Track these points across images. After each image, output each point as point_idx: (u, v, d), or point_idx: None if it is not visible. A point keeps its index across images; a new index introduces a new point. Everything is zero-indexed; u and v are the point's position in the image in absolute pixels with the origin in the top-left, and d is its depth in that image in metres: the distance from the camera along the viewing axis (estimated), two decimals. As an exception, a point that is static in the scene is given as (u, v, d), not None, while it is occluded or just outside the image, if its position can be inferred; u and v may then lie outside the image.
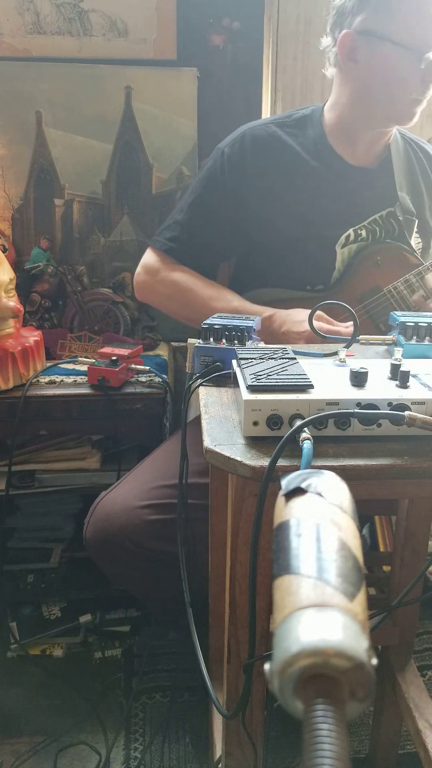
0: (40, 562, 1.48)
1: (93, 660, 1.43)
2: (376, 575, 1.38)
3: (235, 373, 0.70)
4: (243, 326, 0.81)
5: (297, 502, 0.39)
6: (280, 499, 0.40)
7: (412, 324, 0.82)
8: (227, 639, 0.76)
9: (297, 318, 1.07)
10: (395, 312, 0.87)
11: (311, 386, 0.62)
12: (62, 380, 1.32)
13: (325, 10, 1.52)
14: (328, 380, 0.65)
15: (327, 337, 0.86)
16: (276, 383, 0.62)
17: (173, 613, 1.13)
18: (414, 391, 0.62)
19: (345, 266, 1.22)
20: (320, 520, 0.36)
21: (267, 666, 0.28)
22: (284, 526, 0.37)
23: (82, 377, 1.31)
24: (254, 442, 0.60)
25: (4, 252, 1.46)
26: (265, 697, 0.78)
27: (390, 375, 0.66)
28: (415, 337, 0.82)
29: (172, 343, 1.61)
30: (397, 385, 0.64)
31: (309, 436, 0.54)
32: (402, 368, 0.64)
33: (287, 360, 0.69)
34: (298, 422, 0.57)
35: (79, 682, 1.37)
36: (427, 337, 0.82)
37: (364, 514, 1.39)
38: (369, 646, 0.28)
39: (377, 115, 1.14)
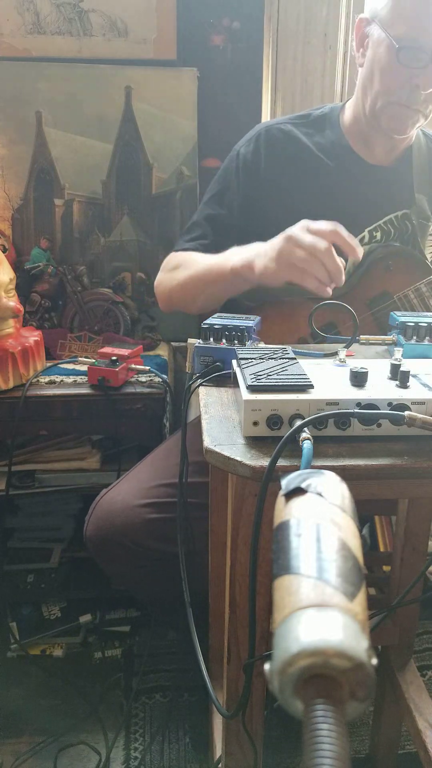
0: (40, 562, 1.48)
1: (93, 660, 1.43)
2: (376, 575, 1.38)
3: (235, 373, 0.70)
4: (243, 326, 0.81)
5: (297, 502, 0.39)
6: (280, 499, 0.40)
7: (412, 324, 0.82)
8: (227, 639, 0.76)
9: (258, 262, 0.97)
10: (395, 312, 0.87)
11: (311, 386, 0.62)
12: (62, 380, 1.32)
13: (326, 10, 1.52)
14: (328, 380, 0.65)
15: (327, 337, 0.86)
16: (276, 383, 0.62)
17: (173, 612, 1.13)
18: (414, 391, 0.62)
19: (355, 268, 1.21)
20: (320, 520, 0.36)
21: (267, 666, 0.28)
22: (284, 526, 0.37)
23: (82, 377, 1.31)
24: (254, 442, 0.60)
25: (4, 252, 1.46)
26: (265, 697, 0.78)
27: (390, 375, 0.66)
28: (415, 337, 0.82)
29: (172, 343, 1.61)
30: (397, 385, 0.64)
31: (309, 436, 0.54)
32: (402, 368, 0.64)
33: (287, 360, 0.69)
34: (298, 422, 0.56)
35: (79, 682, 1.37)
36: (427, 337, 0.82)
37: (364, 514, 1.39)
38: (369, 646, 0.28)
39: (375, 116, 1.10)
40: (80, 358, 1.40)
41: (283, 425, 0.60)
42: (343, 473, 0.44)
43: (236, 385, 0.67)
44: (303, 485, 0.40)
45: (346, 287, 1.20)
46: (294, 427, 0.55)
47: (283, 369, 0.66)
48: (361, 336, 0.83)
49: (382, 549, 1.53)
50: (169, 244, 1.60)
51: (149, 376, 1.33)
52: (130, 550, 1.02)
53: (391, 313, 0.87)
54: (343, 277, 0.89)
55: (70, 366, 1.39)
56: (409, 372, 0.64)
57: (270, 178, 1.18)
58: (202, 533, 0.99)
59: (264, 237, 1.20)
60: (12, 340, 1.26)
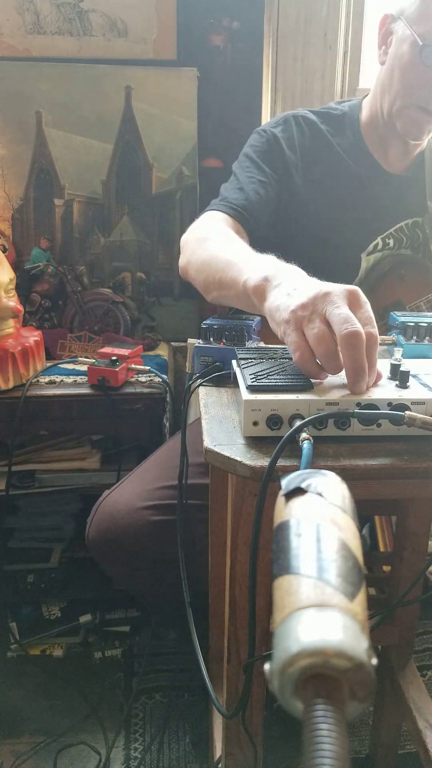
0: (40, 562, 1.48)
1: (93, 660, 1.43)
2: (376, 575, 1.38)
3: (235, 373, 0.70)
4: (243, 326, 0.81)
5: (297, 502, 0.39)
6: (280, 499, 0.40)
7: (412, 324, 0.82)
8: (227, 639, 0.76)
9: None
10: (395, 312, 0.87)
11: (311, 386, 0.62)
12: (62, 380, 1.32)
13: (326, 10, 1.52)
14: (328, 380, 0.65)
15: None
16: (276, 383, 0.62)
17: (174, 613, 1.13)
18: (414, 391, 0.62)
19: (366, 275, 1.19)
20: (320, 520, 0.36)
21: (267, 666, 0.28)
22: (284, 526, 0.37)
23: (82, 377, 1.31)
24: (254, 442, 0.60)
25: (4, 252, 1.46)
26: (265, 697, 0.78)
27: (390, 375, 0.66)
28: (415, 337, 0.82)
29: (172, 343, 1.61)
30: (397, 385, 0.64)
31: (309, 436, 0.54)
32: (402, 368, 0.64)
33: (287, 360, 0.69)
34: (298, 422, 0.57)
35: (79, 682, 1.37)
36: (427, 337, 0.82)
37: (364, 514, 1.39)
38: (369, 646, 0.28)
39: (391, 118, 1.08)
40: (80, 358, 1.40)
41: (283, 425, 0.60)
42: (343, 473, 0.44)
43: (236, 385, 0.67)
44: (303, 485, 0.40)
45: None
46: (294, 427, 0.56)
47: (283, 369, 0.66)
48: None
49: (382, 549, 1.53)
50: (170, 244, 1.61)
51: (149, 376, 1.33)
52: (133, 552, 1.02)
53: (391, 313, 0.87)
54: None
55: (70, 366, 1.39)
56: (409, 372, 0.64)
57: (297, 161, 1.13)
58: (203, 535, 0.99)
59: (290, 233, 1.12)
60: (12, 340, 1.26)
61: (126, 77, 1.52)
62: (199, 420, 0.69)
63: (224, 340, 0.80)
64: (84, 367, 1.32)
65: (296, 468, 0.52)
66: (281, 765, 1.18)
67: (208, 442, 0.60)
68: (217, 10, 1.51)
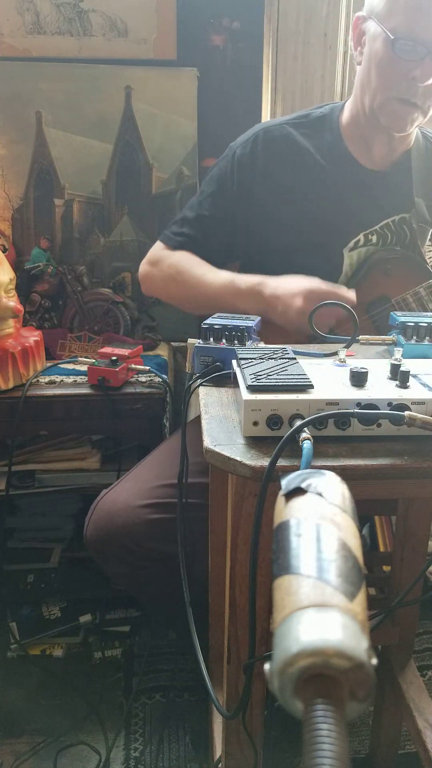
0: (40, 562, 1.48)
1: (93, 660, 1.43)
2: (376, 575, 1.38)
3: (235, 373, 0.70)
4: (243, 326, 0.81)
5: (297, 502, 0.39)
6: (280, 499, 0.40)
7: (412, 324, 0.82)
8: (227, 639, 0.76)
9: (290, 293, 1.03)
10: (395, 312, 0.87)
11: (311, 386, 0.62)
12: (62, 380, 1.32)
13: (326, 10, 1.52)
14: (328, 380, 0.65)
15: (327, 337, 0.86)
16: (276, 383, 0.62)
17: (173, 613, 1.13)
18: (414, 391, 0.62)
19: (353, 271, 1.20)
20: (320, 520, 0.36)
21: (267, 666, 0.28)
22: (284, 526, 0.37)
23: (82, 377, 1.31)
24: (254, 442, 0.60)
25: (4, 252, 1.46)
26: (265, 697, 0.78)
27: (390, 375, 0.66)
28: (415, 337, 0.82)
29: (172, 343, 1.61)
30: (397, 385, 0.64)
31: (309, 436, 0.54)
32: (402, 368, 0.64)
33: (287, 360, 0.69)
34: (298, 422, 0.56)
35: (79, 682, 1.37)
36: (427, 337, 0.82)
37: (364, 514, 1.39)
38: (369, 646, 0.28)
39: (374, 113, 1.10)
40: (80, 358, 1.40)
41: (283, 425, 0.60)
42: (343, 473, 0.44)
43: (236, 385, 0.67)
44: (303, 485, 0.40)
45: None
46: (294, 427, 0.55)
47: (283, 369, 0.66)
48: (361, 336, 0.83)
49: (382, 549, 1.53)
50: (169, 244, 1.60)
51: (149, 376, 1.33)
52: (131, 551, 1.02)
53: (391, 313, 0.87)
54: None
55: (70, 366, 1.39)
56: (409, 372, 0.64)
57: (267, 181, 1.18)
58: (203, 534, 0.99)
59: (256, 242, 1.21)
60: (12, 340, 1.26)
61: (126, 77, 1.52)
62: (197, 419, 0.69)
63: (224, 340, 0.80)
64: (84, 367, 1.32)
65: (296, 468, 0.52)
66: (281, 765, 1.18)
67: (208, 442, 0.60)
68: (217, 10, 1.51)
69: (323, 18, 1.53)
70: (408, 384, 0.63)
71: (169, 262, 1.20)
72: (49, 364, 1.37)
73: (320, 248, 1.18)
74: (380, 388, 0.63)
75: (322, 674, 0.27)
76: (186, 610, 0.84)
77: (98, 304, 1.53)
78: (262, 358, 0.70)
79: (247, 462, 0.57)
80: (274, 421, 0.59)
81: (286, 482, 0.41)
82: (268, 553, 0.49)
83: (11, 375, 1.25)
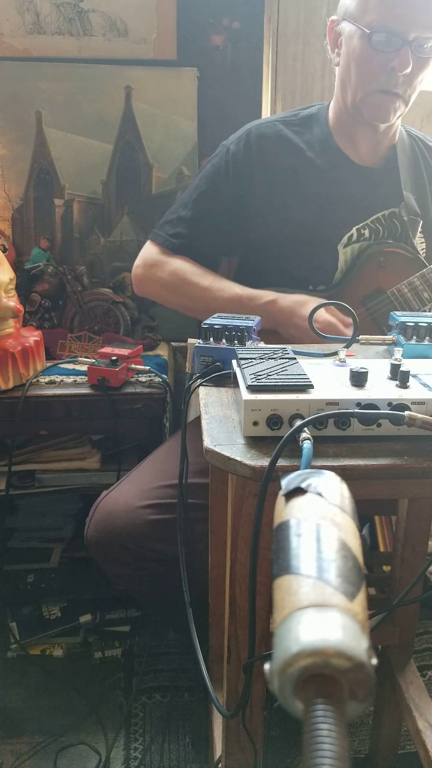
0: (40, 562, 1.48)
1: (93, 660, 1.43)
2: (376, 575, 1.38)
3: (235, 373, 0.70)
4: (243, 326, 0.81)
5: (297, 502, 0.39)
6: (280, 499, 0.40)
7: (412, 324, 0.82)
8: (227, 639, 0.76)
9: (304, 312, 1.07)
10: (395, 312, 0.87)
11: (311, 386, 0.62)
12: (62, 380, 1.32)
13: (326, 10, 1.52)
14: (328, 380, 0.65)
15: (327, 337, 0.86)
16: (276, 383, 0.62)
17: (173, 613, 1.13)
18: (414, 391, 0.62)
19: (348, 266, 1.22)
20: (320, 520, 0.36)
21: (267, 666, 0.28)
22: (284, 526, 0.37)
23: (82, 377, 1.31)
24: (254, 442, 0.60)
25: (4, 252, 1.46)
26: (265, 697, 0.78)
27: (390, 375, 0.66)
28: (415, 337, 0.82)
29: (172, 343, 1.61)
30: (397, 385, 0.64)
31: (309, 436, 0.54)
32: (402, 368, 0.64)
33: (287, 360, 0.69)
34: (298, 422, 0.56)
35: (79, 682, 1.37)
36: (427, 337, 0.82)
37: (364, 514, 1.39)
38: (369, 646, 0.28)
39: (357, 108, 1.12)
40: (80, 358, 1.40)
41: (283, 425, 0.60)
42: (343, 473, 0.44)
43: (236, 385, 0.67)
44: (303, 485, 0.40)
45: (341, 285, 1.21)
46: (294, 427, 0.55)
47: (283, 369, 0.66)
48: (361, 336, 0.83)
49: (382, 549, 1.53)
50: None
51: (149, 376, 1.33)
52: (132, 551, 1.02)
53: (391, 313, 0.87)
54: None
55: (70, 366, 1.39)
56: (409, 372, 0.64)
57: (260, 178, 1.19)
58: (203, 534, 0.99)
59: (253, 238, 1.21)
60: (12, 340, 1.26)
61: (126, 77, 1.52)
62: (198, 419, 0.69)
63: (224, 340, 0.80)
64: (84, 367, 1.32)
65: (296, 468, 0.52)
66: (281, 765, 1.18)
67: (208, 442, 0.60)
68: (217, 10, 1.51)
69: (323, 18, 1.52)
70: (408, 384, 0.63)
71: (170, 270, 1.20)
72: (49, 364, 1.37)
73: (315, 243, 1.19)
74: (380, 388, 0.63)
75: (322, 674, 0.27)
76: (186, 610, 0.84)
77: (98, 304, 1.53)
78: (262, 358, 0.70)
79: (247, 462, 0.57)
80: (274, 421, 0.59)
81: (286, 482, 0.41)
82: (268, 553, 0.49)
83: (11, 375, 1.25)
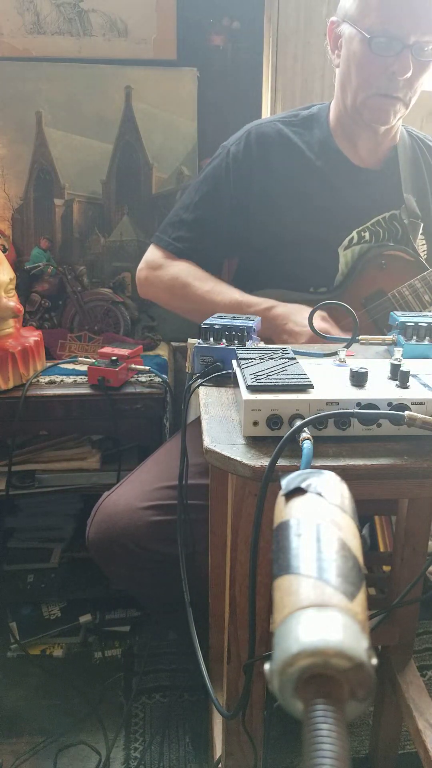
0: (40, 562, 1.48)
1: (93, 660, 1.43)
2: (376, 575, 1.39)
3: (235, 373, 0.70)
4: (243, 326, 0.81)
5: (297, 502, 0.39)
6: (280, 499, 0.40)
7: (412, 324, 0.82)
8: (227, 639, 0.76)
9: (299, 319, 1.07)
10: (395, 312, 0.87)
11: (311, 386, 0.62)
12: (62, 380, 1.32)
13: (326, 10, 1.52)
14: (328, 380, 0.65)
15: (327, 338, 0.86)
16: (276, 383, 0.62)
17: (174, 613, 1.13)
18: (414, 391, 0.62)
19: (349, 269, 1.21)
20: (320, 520, 0.36)
21: (267, 666, 0.28)
22: (284, 526, 0.37)
23: (82, 377, 1.31)
24: (254, 442, 0.60)
25: (4, 252, 1.46)
26: (265, 697, 0.78)
27: (390, 375, 0.66)
28: (415, 337, 0.82)
29: (172, 343, 1.61)
30: (397, 385, 0.64)
31: (309, 436, 0.54)
32: (402, 368, 0.64)
33: (287, 360, 0.69)
34: (298, 422, 0.56)
35: (79, 682, 1.37)
36: (427, 337, 0.82)
37: (364, 514, 1.39)
38: (369, 646, 0.28)
39: (356, 110, 1.12)
40: (80, 358, 1.40)
41: (283, 425, 0.60)
42: (343, 473, 0.44)
43: (236, 385, 0.67)
44: (303, 485, 0.40)
45: (341, 288, 1.21)
46: (294, 427, 0.55)
47: (283, 369, 0.66)
48: (361, 336, 0.83)
49: (382, 549, 1.53)
50: (169, 244, 1.60)
51: (149, 376, 1.33)
52: (134, 552, 1.02)
53: (391, 313, 0.87)
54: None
55: (70, 366, 1.39)
56: (409, 372, 0.64)
57: (260, 178, 1.18)
58: (204, 535, 0.99)
59: (254, 239, 1.21)
60: (12, 340, 1.26)
61: (126, 77, 1.52)
62: (198, 420, 0.69)
63: (224, 340, 0.80)
64: (84, 367, 1.32)
65: (296, 468, 0.52)
66: (281, 765, 1.18)
67: (208, 442, 0.60)
68: (217, 10, 1.51)
69: (323, 18, 1.52)
70: (408, 384, 0.63)
71: (172, 273, 1.21)
72: (49, 364, 1.37)
73: (316, 245, 1.19)
74: (380, 388, 0.63)
75: (322, 674, 0.27)
76: (186, 610, 0.84)
77: (98, 304, 1.53)
78: (262, 358, 0.70)
79: (247, 462, 0.57)
80: (274, 421, 0.59)
81: (286, 482, 0.41)
82: (268, 553, 0.49)
83: (11, 375, 1.25)
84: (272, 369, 0.66)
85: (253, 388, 0.61)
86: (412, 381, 0.64)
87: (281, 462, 0.55)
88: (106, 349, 1.32)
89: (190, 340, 0.83)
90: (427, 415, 0.59)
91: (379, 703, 1.14)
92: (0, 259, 1.24)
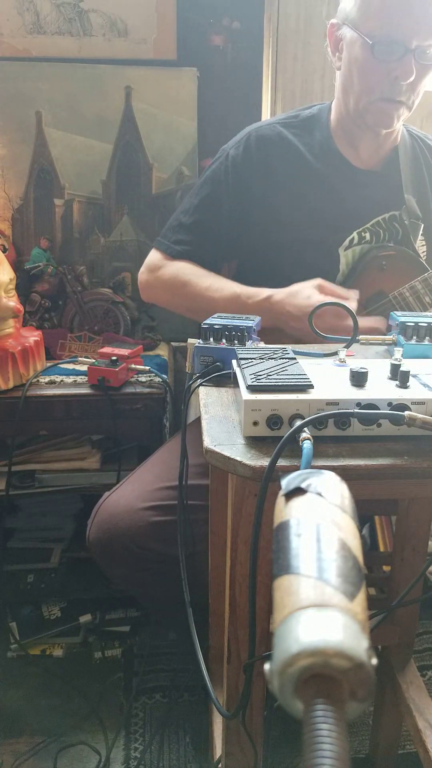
0: (40, 562, 1.48)
1: (93, 660, 1.43)
2: (376, 575, 1.38)
3: (235, 373, 0.70)
4: (243, 326, 0.81)
5: (297, 502, 0.39)
6: (280, 499, 0.40)
7: (412, 324, 0.82)
8: (227, 639, 0.76)
9: (297, 301, 1.05)
10: (395, 312, 0.87)
11: (311, 386, 0.62)
12: (62, 380, 1.32)
13: (326, 10, 1.52)
14: (328, 380, 0.65)
15: (327, 337, 0.86)
16: (276, 383, 0.62)
17: (174, 613, 1.13)
18: (414, 391, 0.62)
19: (349, 270, 1.21)
20: (320, 520, 0.36)
21: (267, 666, 0.28)
22: (284, 526, 0.37)
23: (82, 377, 1.31)
24: (254, 442, 0.60)
25: (4, 252, 1.46)
26: (265, 697, 0.78)
27: (390, 375, 0.66)
28: (415, 337, 0.82)
29: (172, 343, 1.61)
30: (397, 385, 0.64)
31: (309, 436, 0.54)
32: (402, 368, 0.64)
33: (287, 360, 0.69)
34: (298, 422, 0.56)
35: (79, 682, 1.37)
36: (427, 337, 0.82)
37: (364, 514, 1.39)
38: (369, 646, 0.28)
39: (359, 114, 1.12)
40: (80, 358, 1.40)
41: (283, 425, 0.60)
42: (343, 473, 0.44)
43: (236, 385, 0.67)
44: (303, 485, 0.40)
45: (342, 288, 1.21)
46: (294, 427, 0.55)
47: (283, 369, 0.66)
48: (361, 336, 0.83)
49: (382, 549, 1.53)
50: (169, 244, 1.60)
51: (149, 376, 1.33)
52: (134, 553, 1.02)
53: (391, 313, 0.87)
54: None
55: (70, 366, 1.39)
56: (409, 372, 0.64)
57: (260, 181, 1.18)
58: (204, 535, 0.99)
59: (254, 242, 1.21)
60: (12, 340, 1.26)
61: (126, 77, 1.52)
62: (198, 420, 0.69)
63: (224, 340, 0.80)
64: (84, 367, 1.32)
65: (296, 468, 0.51)
66: (281, 765, 1.18)
67: (208, 442, 0.60)
68: (217, 10, 1.51)
69: (323, 18, 1.52)
70: (408, 384, 0.63)
71: (171, 273, 1.20)
72: (49, 364, 1.37)
73: (316, 246, 1.19)
74: (380, 388, 0.63)
75: (322, 674, 0.27)
76: (186, 610, 0.84)
77: (98, 304, 1.53)
78: (262, 358, 0.70)
79: (247, 462, 0.57)
80: (274, 421, 0.59)
81: (286, 482, 0.41)
82: (268, 553, 0.49)
83: (11, 375, 1.25)
84: (272, 369, 0.66)
85: (253, 388, 0.61)
86: (412, 381, 0.64)
87: (281, 462, 0.55)
88: (106, 349, 1.32)
89: (190, 340, 0.83)
90: (427, 415, 0.59)
91: (379, 703, 1.14)
92: (0, 259, 1.24)
